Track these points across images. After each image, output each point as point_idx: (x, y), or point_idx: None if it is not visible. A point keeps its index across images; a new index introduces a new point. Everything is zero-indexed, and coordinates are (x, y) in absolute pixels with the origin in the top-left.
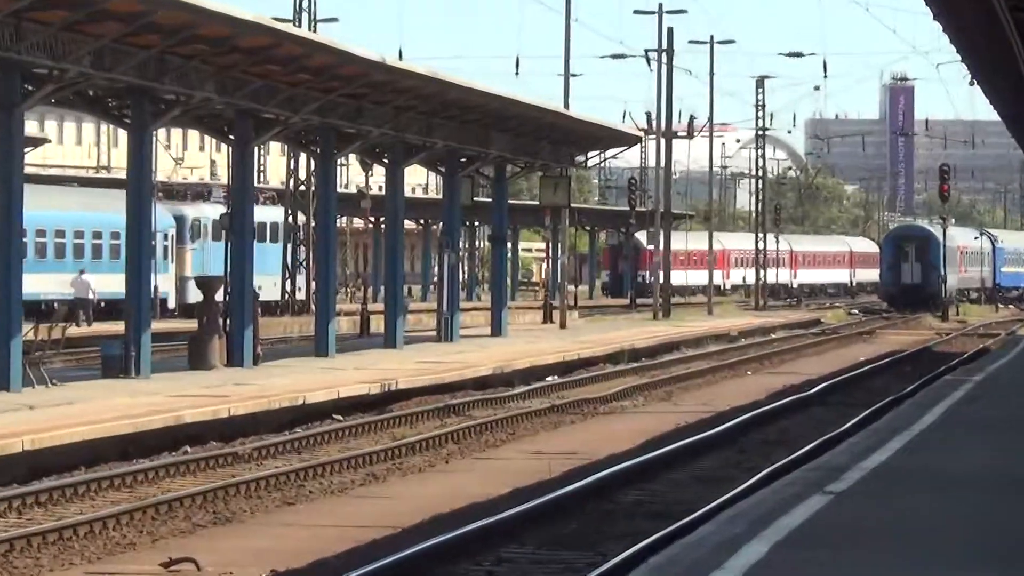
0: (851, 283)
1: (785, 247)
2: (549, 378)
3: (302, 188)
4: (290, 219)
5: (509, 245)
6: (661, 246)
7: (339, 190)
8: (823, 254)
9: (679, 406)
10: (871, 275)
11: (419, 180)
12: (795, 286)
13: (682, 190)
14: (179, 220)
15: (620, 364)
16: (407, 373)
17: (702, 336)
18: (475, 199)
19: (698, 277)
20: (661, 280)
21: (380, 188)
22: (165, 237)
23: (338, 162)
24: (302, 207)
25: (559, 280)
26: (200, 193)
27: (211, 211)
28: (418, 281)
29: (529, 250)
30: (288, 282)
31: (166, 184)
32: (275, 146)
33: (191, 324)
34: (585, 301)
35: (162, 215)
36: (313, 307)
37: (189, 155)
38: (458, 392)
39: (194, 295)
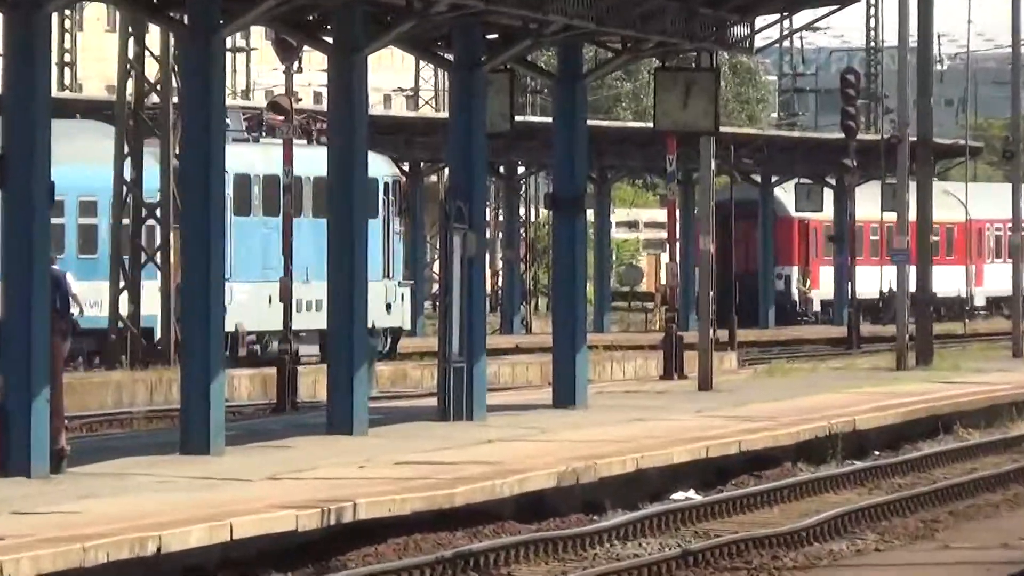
0: None
1: None
2: (678, 495)
3: (153, 100)
4: (127, 165)
5: (591, 214)
6: (913, 211)
7: (232, 102)
8: None
9: (953, 550)
10: None
11: (400, 80)
12: None
13: (955, 95)
14: None
15: (827, 463)
16: (376, 486)
17: (999, 403)
18: (518, 119)
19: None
20: (912, 287)
21: (318, 97)
22: (151, 211)
23: (226, 42)
24: (152, 135)
25: (699, 289)
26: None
27: (230, 158)
28: None
29: (633, 226)
30: (126, 295)
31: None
32: (94, 13)
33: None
34: (750, 332)
35: (145, 167)
36: (176, 351)
37: None
38: (484, 525)
39: None
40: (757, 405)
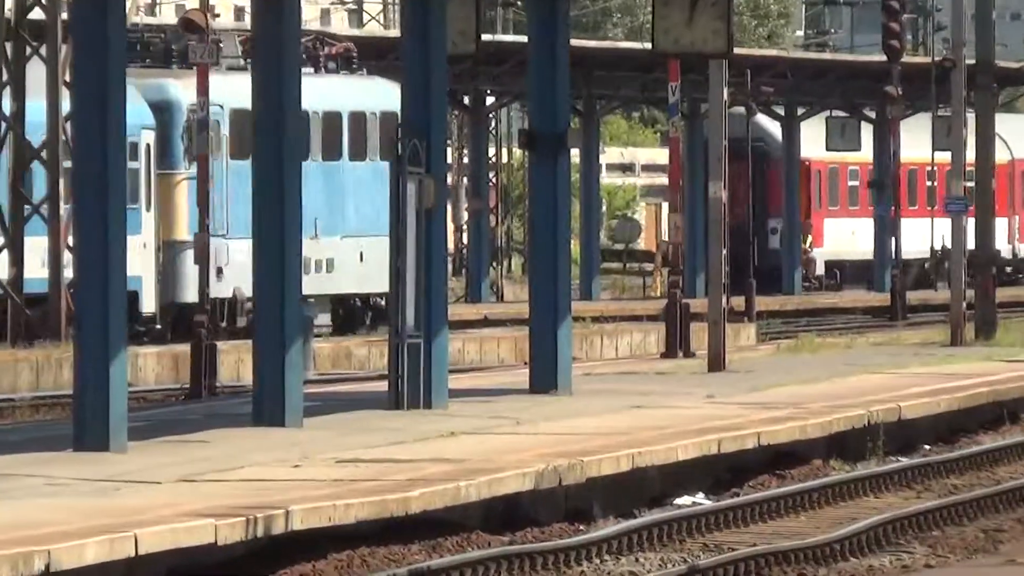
0: None
1: None
2: (683, 499)
3: (37, 15)
4: (6, 95)
5: (576, 155)
6: (969, 148)
7: (135, 19)
8: None
9: (1020, 566)
10: None
11: None
12: None
13: (1023, 8)
14: (163, 111)
15: (866, 460)
16: (314, 489)
17: None
18: (486, 38)
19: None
20: (970, 246)
21: (239, 12)
22: (130, 151)
23: None
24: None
25: (709, 248)
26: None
27: (226, 89)
28: None
29: (628, 169)
30: (6, 256)
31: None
32: None
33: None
34: (773, 300)
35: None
36: (69, 324)
37: None
38: (445, 537)
39: (196, 286)
40: (780, 389)
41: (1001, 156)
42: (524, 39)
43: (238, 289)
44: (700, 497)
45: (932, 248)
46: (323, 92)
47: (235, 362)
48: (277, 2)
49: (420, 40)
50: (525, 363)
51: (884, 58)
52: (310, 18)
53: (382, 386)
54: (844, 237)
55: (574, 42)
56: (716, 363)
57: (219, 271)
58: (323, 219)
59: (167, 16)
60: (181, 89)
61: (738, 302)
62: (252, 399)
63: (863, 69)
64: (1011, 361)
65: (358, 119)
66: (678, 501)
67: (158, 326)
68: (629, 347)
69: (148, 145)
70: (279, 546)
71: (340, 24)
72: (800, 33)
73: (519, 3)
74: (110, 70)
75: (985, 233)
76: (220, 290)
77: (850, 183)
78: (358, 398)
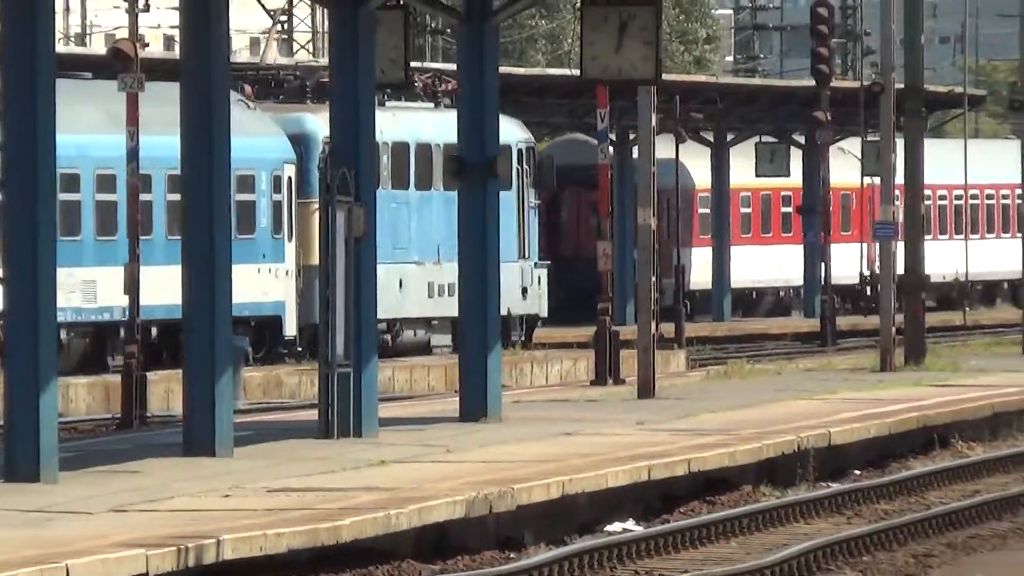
0: None
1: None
2: (614, 526)
3: None
4: None
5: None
6: (903, 171)
7: (64, 48)
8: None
9: None
10: None
11: (270, 20)
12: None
13: (951, 31)
14: (301, 144)
15: (796, 486)
16: (245, 518)
17: (1006, 411)
18: (415, 65)
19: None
20: (899, 270)
21: (169, 42)
22: (275, 184)
23: None
24: None
25: (638, 274)
26: (324, 85)
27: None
28: None
29: None
30: None
31: (255, 67)
32: None
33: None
34: (703, 326)
35: (266, 135)
36: None
37: None
38: (376, 565)
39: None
40: (710, 415)
41: (853, 179)
42: (453, 67)
43: None
44: (631, 524)
45: (862, 272)
46: (442, 126)
47: (165, 392)
48: (205, 32)
49: (349, 68)
50: (455, 391)
51: (813, 83)
52: (240, 47)
53: (312, 415)
54: (697, 266)
55: (502, 69)
56: (646, 390)
57: None
58: (445, 246)
59: (96, 45)
60: (317, 122)
61: (668, 328)
62: (183, 429)
63: (792, 94)
64: (940, 386)
65: None
66: (609, 528)
67: (299, 348)
68: (559, 374)
69: (290, 178)
70: (211, 575)
71: (270, 53)
72: (729, 59)
73: (448, 31)
74: (38, 99)
75: (914, 257)
76: None
77: (701, 211)
78: (289, 427)
